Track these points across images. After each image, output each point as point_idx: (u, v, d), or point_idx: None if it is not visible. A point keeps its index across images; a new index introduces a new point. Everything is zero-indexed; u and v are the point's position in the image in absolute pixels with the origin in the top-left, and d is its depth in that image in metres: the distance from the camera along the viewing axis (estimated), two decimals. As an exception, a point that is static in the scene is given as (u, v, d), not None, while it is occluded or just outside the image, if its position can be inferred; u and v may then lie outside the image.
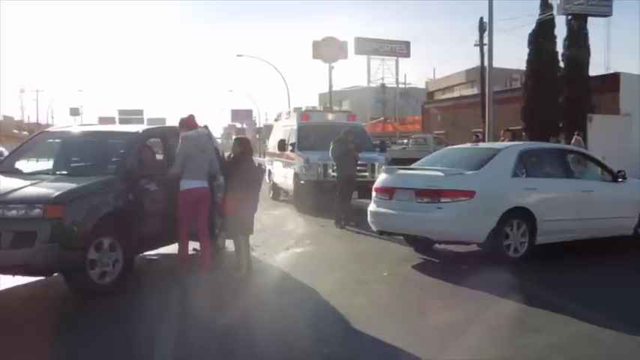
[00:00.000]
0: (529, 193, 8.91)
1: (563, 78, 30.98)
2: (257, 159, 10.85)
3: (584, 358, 5.27)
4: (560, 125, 30.46)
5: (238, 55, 53.91)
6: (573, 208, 9.28)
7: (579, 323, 6.01)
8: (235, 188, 8.19)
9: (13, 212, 6.35)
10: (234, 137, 9.79)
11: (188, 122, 8.11)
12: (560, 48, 31.86)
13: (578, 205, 9.34)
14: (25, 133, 55.29)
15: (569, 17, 31.20)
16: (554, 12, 31.22)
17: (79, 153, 9.03)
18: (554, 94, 30.78)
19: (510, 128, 20.38)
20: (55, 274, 6.88)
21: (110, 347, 5.47)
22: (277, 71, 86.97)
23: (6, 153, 15.86)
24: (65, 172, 8.15)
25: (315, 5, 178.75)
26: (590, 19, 31.78)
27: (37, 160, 9.37)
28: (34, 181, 7.26)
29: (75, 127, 11.15)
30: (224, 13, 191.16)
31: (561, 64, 31.68)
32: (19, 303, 6.94)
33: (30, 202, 6.45)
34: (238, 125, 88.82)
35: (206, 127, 8.56)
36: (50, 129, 11.83)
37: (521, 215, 8.71)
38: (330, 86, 56.67)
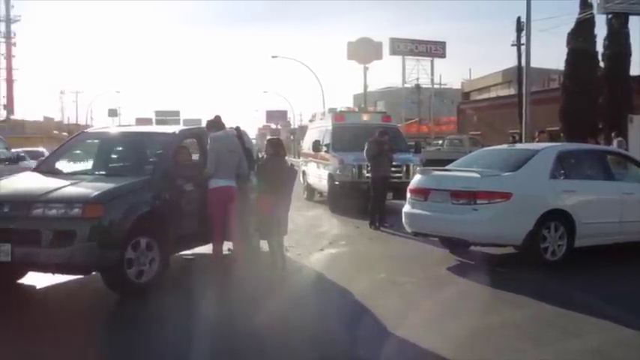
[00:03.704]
0: (567, 195, 8.75)
1: (603, 78, 30.47)
2: (289, 159, 10.88)
3: (625, 363, 5.17)
4: (600, 126, 29.94)
5: (273, 57, 54.27)
6: (613, 211, 9.08)
7: (618, 327, 5.88)
8: (268, 189, 8.24)
9: (54, 211, 6.47)
10: (267, 138, 9.86)
11: (215, 123, 8.29)
12: (600, 48, 31.32)
13: (618, 207, 9.13)
14: (64, 133, 56.34)
15: (610, 16, 30.64)
16: (594, 11, 30.71)
17: (116, 153, 9.20)
18: (593, 95, 30.30)
19: (548, 129, 20.12)
20: (93, 273, 7.00)
21: (146, 345, 5.54)
22: (312, 72, 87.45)
23: (46, 153, 16.21)
24: (104, 173, 8.30)
25: (350, 7, 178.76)
26: (631, 18, 31.15)
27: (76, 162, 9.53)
28: (73, 181, 7.40)
29: (113, 128, 11.34)
30: (260, 16, 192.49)
31: (601, 64, 31.13)
32: (58, 301, 7.07)
33: (69, 201, 6.56)
34: (273, 126, 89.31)
35: (237, 128, 8.65)
36: (89, 130, 12.04)
37: (559, 218, 8.55)
38: (365, 87, 56.75)
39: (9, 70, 68.38)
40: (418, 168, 12.06)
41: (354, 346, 5.48)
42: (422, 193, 9.32)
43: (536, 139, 17.43)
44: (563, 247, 8.59)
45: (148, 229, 7.09)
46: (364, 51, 57.41)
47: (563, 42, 32.33)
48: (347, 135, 16.29)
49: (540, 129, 19.40)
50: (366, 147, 13.06)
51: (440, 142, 41.39)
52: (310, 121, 21.90)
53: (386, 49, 57.99)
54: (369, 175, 13.67)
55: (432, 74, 60.02)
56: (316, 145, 16.89)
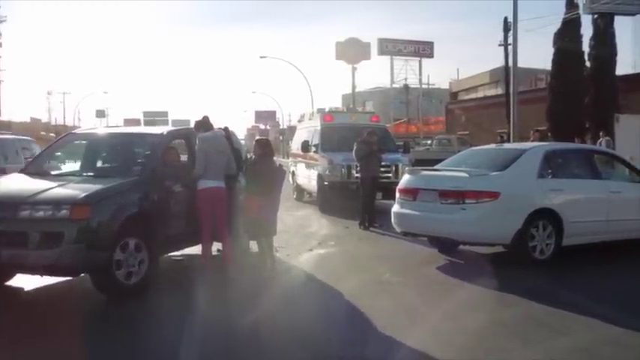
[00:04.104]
0: (555, 194, 8.80)
1: (590, 78, 30.67)
2: (278, 160, 10.87)
3: (613, 361, 5.21)
4: (587, 126, 30.14)
5: (262, 57, 54.09)
6: (601, 210, 9.15)
7: (606, 326, 5.91)
8: (257, 190, 8.23)
9: (41, 213, 6.44)
10: (256, 138, 9.85)
11: (204, 124, 8.26)
12: (586, 47, 31.54)
13: (605, 206, 9.20)
14: (52, 135, 55.91)
15: (595, 16, 30.86)
16: (580, 11, 30.95)
17: (104, 154, 9.15)
18: (580, 94, 30.49)
19: (539, 129, 20.26)
20: (82, 275, 6.96)
21: (135, 346, 5.52)
22: (300, 72, 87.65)
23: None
24: (91, 174, 8.26)
25: (338, 7, 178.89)
26: (616, 18, 31.40)
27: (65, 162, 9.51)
28: (60, 182, 7.35)
29: (101, 128, 11.28)
30: (248, 16, 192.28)
31: (587, 64, 31.34)
32: (47, 303, 7.02)
33: (57, 203, 6.53)
34: (262, 126, 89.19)
35: (226, 128, 8.63)
36: (76, 131, 11.97)
37: (547, 216, 8.60)
38: (354, 87, 56.81)
39: (-5, 71, 67.80)
40: (407, 168, 12.09)
41: (344, 346, 5.49)
42: (411, 193, 9.34)
43: (531, 139, 17.71)
44: (551, 245, 8.64)
45: (137, 230, 7.06)
46: (352, 51, 57.51)
47: (549, 42, 32.54)
48: (336, 135, 16.30)
49: (533, 128, 19.61)
50: (355, 147, 13.07)
51: (428, 141, 41.57)
52: (299, 121, 21.91)
53: (374, 50, 58.19)
54: (358, 175, 13.68)
55: (420, 74, 60.28)
56: (305, 146, 16.88)
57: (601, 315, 6.16)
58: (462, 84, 63.52)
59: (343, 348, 5.43)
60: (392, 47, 58.32)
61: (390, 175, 14.67)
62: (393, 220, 9.67)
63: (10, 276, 7.43)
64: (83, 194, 6.70)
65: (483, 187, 8.51)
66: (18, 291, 7.44)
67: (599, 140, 22.98)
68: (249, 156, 9.74)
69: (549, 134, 28.99)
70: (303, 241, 10.97)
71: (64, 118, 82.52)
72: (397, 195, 9.69)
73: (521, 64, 24.55)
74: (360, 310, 6.58)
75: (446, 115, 54.55)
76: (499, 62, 36.99)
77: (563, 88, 30.90)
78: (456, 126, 48.58)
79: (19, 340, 5.57)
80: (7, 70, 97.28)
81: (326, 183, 15.36)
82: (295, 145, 19.67)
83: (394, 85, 60.28)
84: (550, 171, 9.15)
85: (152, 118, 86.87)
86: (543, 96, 33.39)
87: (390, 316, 6.36)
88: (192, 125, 8.69)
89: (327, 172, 15.35)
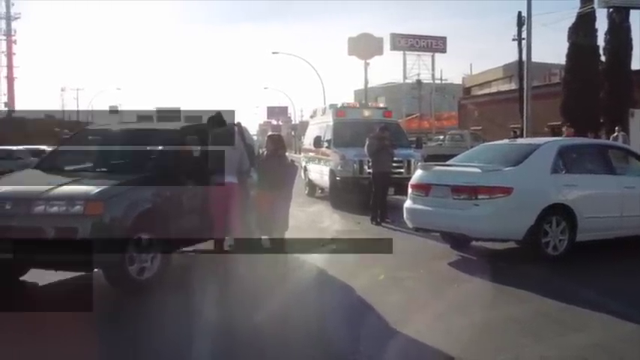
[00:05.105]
0: (569, 190, 8.75)
1: (604, 72, 30.44)
2: (290, 155, 10.87)
3: (626, 357, 5.17)
4: (601, 121, 29.92)
5: (274, 53, 54.51)
6: (615, 205, 9.08)
7: (620, 322, 5.88)
8: (269, 185, 8.24)
9: (55, 209, 6.49)
10: (268, 134, 9.87)
11: (216, 120, 8.27)
12: (601, 42, 31.31)
13: (620, 201, 9.13)
14: (66, 131, 56.21)
15: (610, 10, 30.60)
16: (595, 5, 30.67)
17: (118, 150, 9.18)
18: (594, 89, 30.28)
19: (549, 124, 20.12)
20: (95, 270, 7.01)
21: (148, 342, 5.55)
22: (313, 68, 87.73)
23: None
24: (105, 169, 8.29)
25: (349, 5, 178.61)
26: (632, 12, 31.12)
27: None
28: (74, 178, 7.41)
29: (114, 124, 11.32)
30: (260, 13, 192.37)
31: (602, 58, 31.11)
32: (60, 298, 7.09)
33: (71, 198, 6.57)
34: (274, 122, 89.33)
35: (238, 124, 8.65)
36: (90, 126, 12.02)
37: (560, 212, 8.55)
38: (366, 82, 56.69)
39: (10, 67, 68.41)
40: (419, 163, 12.05)
41: (356, 342, 5.48)
42: (423, 188, 9.32)
43: (565, 134, 17.72)
44: (564, 241, 8.59)
45: (150, 225, 7.09)
46: (365, 46, 57.37)
47: (564, 37, 32.33)
48: (348, 131, 16.28)
49: (547, 123, 19.57)
50: (367, 142, 13.05)
51: (441, 137, 41.39)
52: (311, 117, 21.90)
53: (387, 45, 57.99)
54: (370, 170, 13.66)
55: (433, 69, 60.05)
56: (317, 141, 16.88)
57: (615, 311, 6.13)
58: (475, 79, 63.23)
59: (355, 344, 5.43)
60: (404, 42, 58.06)
61: (402, 170, 14.64)
62: (405, 215, 9.65)
63: (25, 271, 7.50)
64: (97, 190, 6.74)
65: (496, 182, 8.47)
66: (32, 286, 7.51)
67: (615, 135, 22.77)
68: (261, 152, 9.75)
69: (564, 129, 28.87)
70: (315, 236, 10.96)
71: (78, 114, 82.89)
72: (409, 190, 9.66)
73: (535, 58, 24.45)
74: (371, 305, 6.58)
75: (459, 111, 54.32)
76: (513, 57, 36.84)
77: (578, 83, 30.69)
78: (468, 121, 48.36)
79: (33, 335, 5.62)
80: (21, 67, 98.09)
81: (338, 178, 15.36)
82: (307, 141, 19.66)
83: (407, 81, 60.09)
84: (564, 166, 9.08)
85: (165, 114, 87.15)
86: (557, 91, 33.19)
87: (402, 312, 6.36)
88: (204, 121, 8.71)
89: (339, 168, 15.35)
